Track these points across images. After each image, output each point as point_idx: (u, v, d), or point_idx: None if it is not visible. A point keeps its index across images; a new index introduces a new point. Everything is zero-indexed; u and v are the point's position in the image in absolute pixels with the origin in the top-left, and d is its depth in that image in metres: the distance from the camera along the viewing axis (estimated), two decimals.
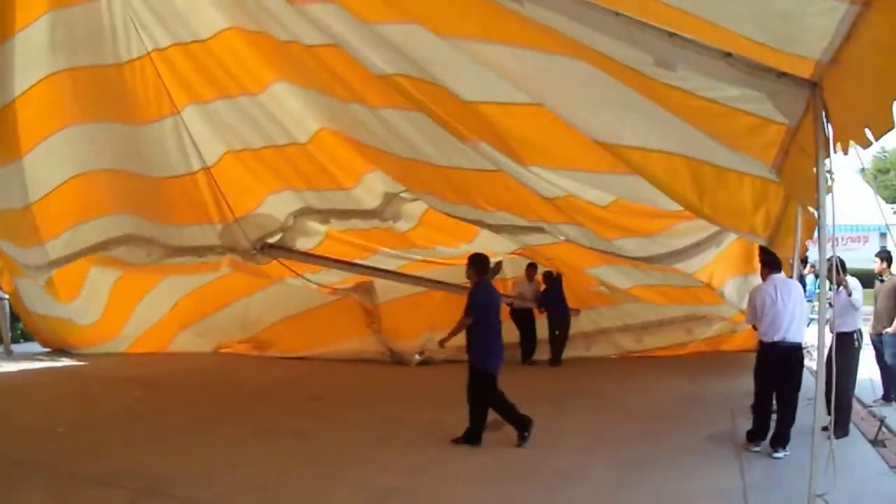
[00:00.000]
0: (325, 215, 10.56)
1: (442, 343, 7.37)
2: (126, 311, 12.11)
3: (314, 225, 10.77)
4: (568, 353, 11.84)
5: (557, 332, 11.83)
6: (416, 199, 10.05)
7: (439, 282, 11.53)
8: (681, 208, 7.00)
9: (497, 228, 9.74)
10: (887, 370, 8.56)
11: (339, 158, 9.56)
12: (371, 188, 10.00)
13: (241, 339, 12.80)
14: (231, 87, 8.68)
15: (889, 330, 8.29)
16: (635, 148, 5.91)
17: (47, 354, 12.56)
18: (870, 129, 3.51)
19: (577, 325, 12.05)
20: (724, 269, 9.37)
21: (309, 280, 11.37)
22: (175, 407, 8.96)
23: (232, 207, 10.13)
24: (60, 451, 6.80)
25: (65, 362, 11.90)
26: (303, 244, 10.97)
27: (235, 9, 7.80)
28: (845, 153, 4.02)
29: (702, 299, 10.45)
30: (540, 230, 9.38)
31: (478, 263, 7.19)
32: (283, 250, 10.82)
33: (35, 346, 13.13)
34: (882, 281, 8.61)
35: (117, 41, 8.24)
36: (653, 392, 9.28)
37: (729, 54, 4.07)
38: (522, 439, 6.93)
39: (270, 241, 10.70)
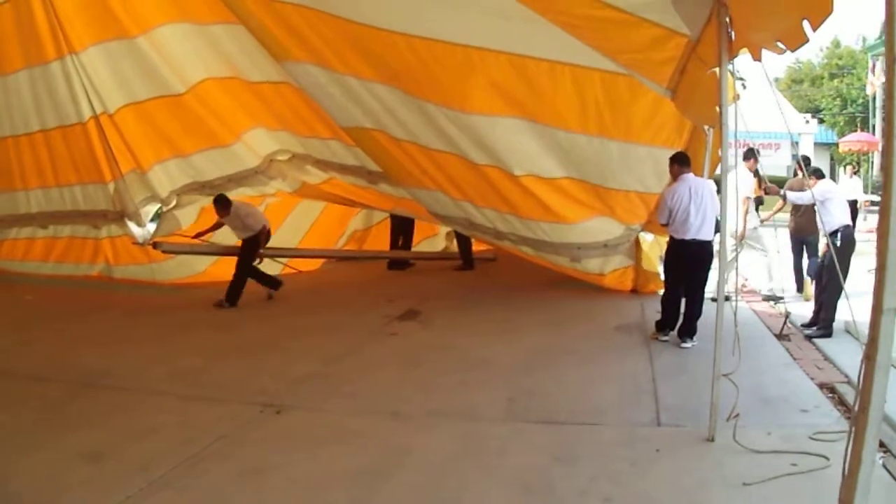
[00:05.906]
0: (209, 188, 9.88)
1: None
2: None
3: (197, 197, 10.13)
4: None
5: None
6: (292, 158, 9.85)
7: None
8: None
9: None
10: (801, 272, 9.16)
11: (221, 112, 9.22)
12: (251, 146, 9.70)
13: None
14: (112, 29, 8.18)
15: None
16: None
17: None
18: (782, 42, 3.56)
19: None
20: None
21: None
22: (95, 308, 8.95)
23: (119, 164, 9.45)
24: None
25: None
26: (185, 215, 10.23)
27: None
28: (758, 59, 4.05)
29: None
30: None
31: None
32: (173, 248, 9.88)
33: None
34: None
35: None
36: (560, 285, 9.33)
37: None
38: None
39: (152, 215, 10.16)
